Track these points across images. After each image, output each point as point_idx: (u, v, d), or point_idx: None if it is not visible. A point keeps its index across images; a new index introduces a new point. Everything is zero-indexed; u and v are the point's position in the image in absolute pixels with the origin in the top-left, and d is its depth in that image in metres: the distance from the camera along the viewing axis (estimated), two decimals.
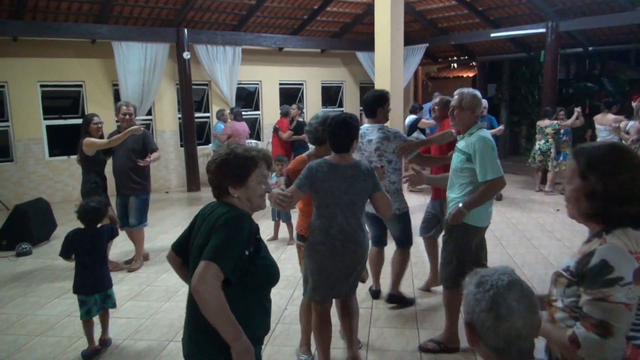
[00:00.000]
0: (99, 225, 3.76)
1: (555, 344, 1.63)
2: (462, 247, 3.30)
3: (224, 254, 1.78)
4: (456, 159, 3.38)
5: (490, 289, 1.26)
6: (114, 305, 3.76)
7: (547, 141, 8.65)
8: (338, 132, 2.89)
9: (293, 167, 3.35)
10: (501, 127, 8.16)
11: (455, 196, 3.33)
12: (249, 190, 1.95)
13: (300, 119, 8.95)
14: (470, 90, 3.40)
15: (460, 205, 3.20)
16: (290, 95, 12.22)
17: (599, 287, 1.46)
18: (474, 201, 3.18)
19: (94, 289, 3.57)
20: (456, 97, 3.35)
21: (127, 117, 5.26)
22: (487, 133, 3.29)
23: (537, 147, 8.82)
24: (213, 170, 1.97)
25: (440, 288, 3.94)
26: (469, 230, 3.28)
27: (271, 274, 1.99)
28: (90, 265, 3.58)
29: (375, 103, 3.96)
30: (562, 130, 8.73)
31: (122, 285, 4.96)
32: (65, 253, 3.59)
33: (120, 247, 5.99)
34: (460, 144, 3.36)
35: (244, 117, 9.49)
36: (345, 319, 3.22)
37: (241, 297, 1.87)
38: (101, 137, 5.32)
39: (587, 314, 1.49)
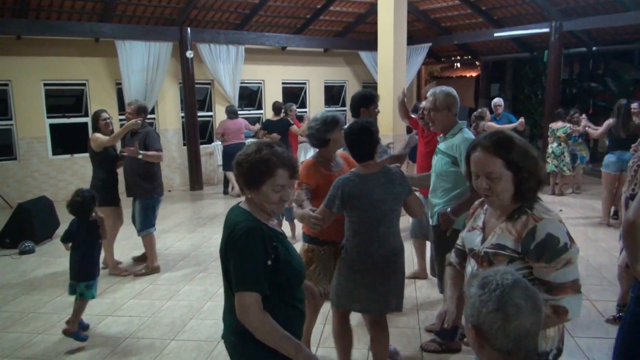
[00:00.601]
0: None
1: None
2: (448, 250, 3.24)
3: (247, 277, 1.77)
4: (439, 161, 3.25)
5: (496, 288, 1.25)
6: (92, 297, 3.85)
7: (560, 144, 8.25)
8: (359, 141, 2.72)
9: (306, 173, 3.08)
10: (521, 119, 7.75)
11: (438, 201, 3.25)
12: (262, 196, 1.86)
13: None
14: (444, 88, 3.30)
15: (449, 210, 3.09)
16: (293, 94, 12.22)
17: (559, 256, 1.69)
18: (462, 206, 3.01)
19: (78, 277, 3.77)
20: (429, 97, 3.26)
21: (128, 116, 5.21)
22: (471, 134, 3.20)
23: (550, 150, 8.39)
24: (234, 167, 1.91)
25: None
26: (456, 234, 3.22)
27: (298, 272, 1.93)
28: (79, 254, 3.79)
29: (359, 103, 3.80)
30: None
31: (124, 283, 4.97)
32: (64, 238, 3.84)
33: (130, 253, 5.99)
34: (442, 146, 3.24)
35: (245, 115, 9.48)
36: (379, 336, 2.94)
37: (279, 303, 1.86)
38: (111, 132, 5.19)
39: (561, 282, 1.70)
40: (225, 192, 9.44)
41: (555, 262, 1.69)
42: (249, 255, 1.77)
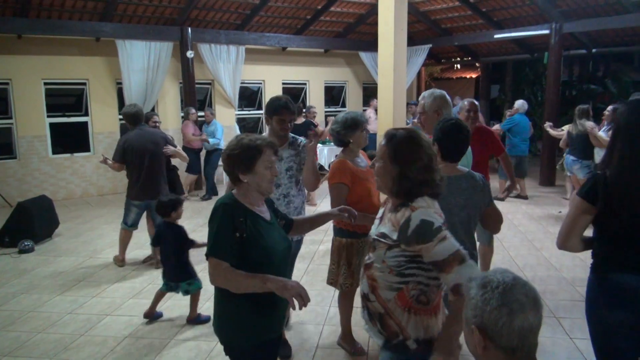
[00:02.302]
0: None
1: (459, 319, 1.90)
2: None
3: (215, 245, 2.02)
4: None
5: (498, 285, 1.27)
6: (198, 288, 4.09)
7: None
8: (453, 138, 2.57)
9: (340, 173, 3.13)
10: (496, 126, 8.13)
11: None
12: (257, 176, 2.09)
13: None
14: (434, 91, 3.29)
15: None
16: (293, 94, 12.23)
17: (434, 236, 1.82)
18: None
19: (178, 279, 4.04)
20: (420, 102, 3.29)
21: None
22: None
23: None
24: (224, 160, 2.15)
25: None
26: None
27: (267, 252, 2.08)
28: (170, 258, 4.07)
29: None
30: None
31: (124, 283, 4.98)
32: (154, 242, 4.27)
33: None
34: None
35: (245, 115, 9.46)
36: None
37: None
38: None
39: (443, 258, 1.81)
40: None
41: (432, 242, 1.83)
42: (217, 226, 2.03)
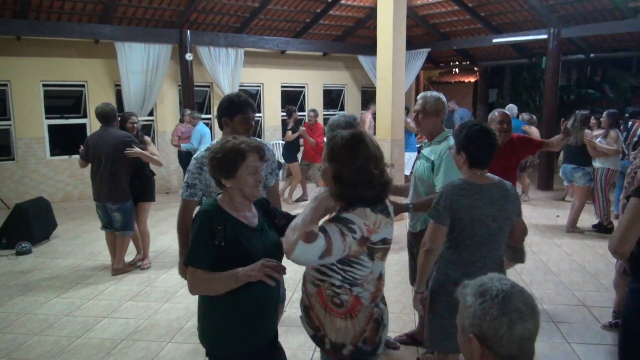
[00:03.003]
0: None
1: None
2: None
3: (191, 254, 2.00)
4: (421, 166, 3.19)
5: (497, 294, 1.26)
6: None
7: None
8: (480, 144, 2.42)
9: None
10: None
11: None
12: (240, 181, 2.03)
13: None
14: (434, 93, 3.24)
15: (410, 205, 3.04)
16: (292, 98, 12.25)
17: (347, 229, 1.81)
18: (425, 205, 2.90)
19: None
20: (420, 101, 3.20)
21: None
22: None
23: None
24: (208, 164, 2.10)
25: None
26: None
27: (248, 261, 1.96)
28: None
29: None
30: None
31: (121, 285, 4.97)
32: None
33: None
34: (426, 151, 3.20)
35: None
36: None
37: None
38: (135, 135, 5.36)
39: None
40: None
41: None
42: (195, 234, 2.01)
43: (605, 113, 6.69)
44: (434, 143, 3.16)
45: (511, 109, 8.98)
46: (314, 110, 8.99)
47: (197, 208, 2.14)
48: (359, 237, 1.83)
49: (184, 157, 8.67)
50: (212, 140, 8.79)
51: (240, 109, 2.88)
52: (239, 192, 2.05)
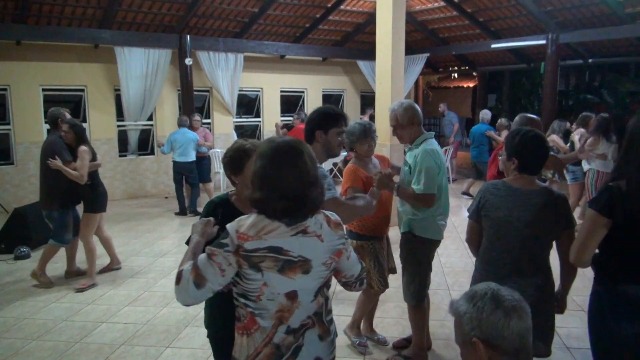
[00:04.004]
0: None
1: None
2: (421, 262, 3.29)
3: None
4: (402, 171, 3.32)
5: (486, 292, 1.32)
6: None
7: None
8: (534, 151, 2.41)
9: (352, 178, 3.29)
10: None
11: (406, 209, 3.26)
12: (246, 178, 2.05)
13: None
14: (403, 102, 3.26)
15: (396, 185, 3.13)
16: (291, 102, 12.27)
17: (215, 246, 1.70)
18: (404, 194, 3.14)
19: None
20: (390, 115, 3.24)
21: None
22: (434, 145, 3.18)
23: None
24: (222, 163, 2.27)
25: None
26: (420, 243, 3.25)
27: None
28: None
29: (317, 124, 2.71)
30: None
31: (119, 290, 4.96)
32: None
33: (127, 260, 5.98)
34: (407, 155, 3.28)
35: (243, 123, 9.36)
36: None
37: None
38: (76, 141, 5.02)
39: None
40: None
41: (210, 247, 1.79)
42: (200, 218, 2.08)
43: (595, 117, 6.73)
44: (413, 147, 3.23)
45: (484, 114, 9.17)
46: (297, 114, 8.99)
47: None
48: (233, 248, 1.67)
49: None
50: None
51: (337, 121, 2.69)
52: (246, 188, 2.10)
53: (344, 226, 1.93)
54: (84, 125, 9.25)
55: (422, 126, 3.30)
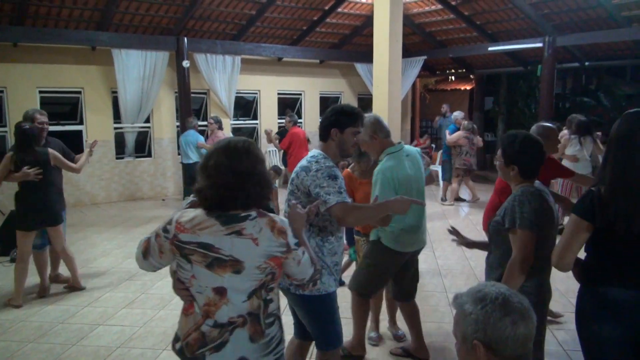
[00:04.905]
0: None
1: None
2: (378, 265, 3.27)
3: None
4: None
5: (497, 297, 1.29)
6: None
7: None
8: (534, 155, 2.42)
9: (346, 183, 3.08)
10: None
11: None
12: None
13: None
14: (365, 116, 2.98)
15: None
16: (288, 105, 12.27)
17: (162, 230, 1.85)
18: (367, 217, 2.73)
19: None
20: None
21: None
22: (390, 162, 3.13)
23: None
24: None
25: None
26: (383, 250, 3.23)
27: None
28: None
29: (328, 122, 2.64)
30: None
31: (116, 292, 4.94)
32: None
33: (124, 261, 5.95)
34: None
35: (240, 125, 9.41)
36: None
37: None
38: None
39: None
40: None
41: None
42: None
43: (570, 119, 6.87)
44: (379, 162, 3.22)
45: (457, 115, 9.21)
46: (289, 116, 8.96)
47: None
48: (170, 236, 1.81)
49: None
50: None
51: (355, 120, 2.61)
52: None
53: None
54: (81, 127, 9.28)
55: (391, 137, 3.26)
